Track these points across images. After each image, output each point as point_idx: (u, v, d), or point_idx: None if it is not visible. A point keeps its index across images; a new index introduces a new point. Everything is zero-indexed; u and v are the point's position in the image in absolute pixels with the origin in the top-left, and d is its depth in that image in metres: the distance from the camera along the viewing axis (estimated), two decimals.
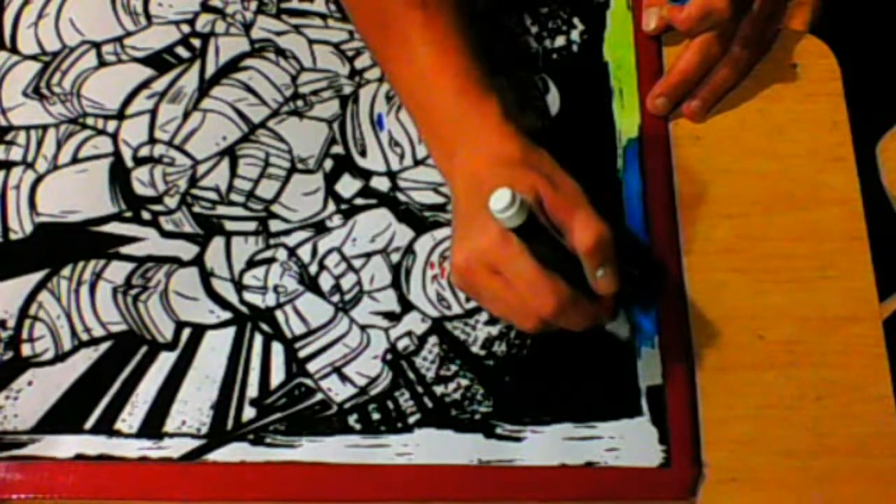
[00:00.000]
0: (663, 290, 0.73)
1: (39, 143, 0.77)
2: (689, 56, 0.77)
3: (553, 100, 0.79)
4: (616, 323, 0.72)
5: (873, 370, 0.72)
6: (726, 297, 0.74)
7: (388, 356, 0.71)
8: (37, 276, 0.73)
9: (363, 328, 0.72)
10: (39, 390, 0.70)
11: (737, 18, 0.76)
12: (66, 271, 0.73)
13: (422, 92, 0.71)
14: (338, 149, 0.77)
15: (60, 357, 0.71)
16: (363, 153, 0.77)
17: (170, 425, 0.69)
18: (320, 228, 0.75)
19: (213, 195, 0.75)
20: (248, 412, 0.70)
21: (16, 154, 0.76)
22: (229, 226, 0.75)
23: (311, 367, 0.71)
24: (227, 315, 0.72)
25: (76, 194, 0.75)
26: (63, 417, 0.69)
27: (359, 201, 0.76)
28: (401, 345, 0.72)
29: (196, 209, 0.75)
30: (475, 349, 0.72)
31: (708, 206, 0.76)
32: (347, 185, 0.76)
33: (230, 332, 0.72)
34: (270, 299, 0.73)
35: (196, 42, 0.80)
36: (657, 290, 0.73)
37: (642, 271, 0.73)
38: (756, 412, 0.71)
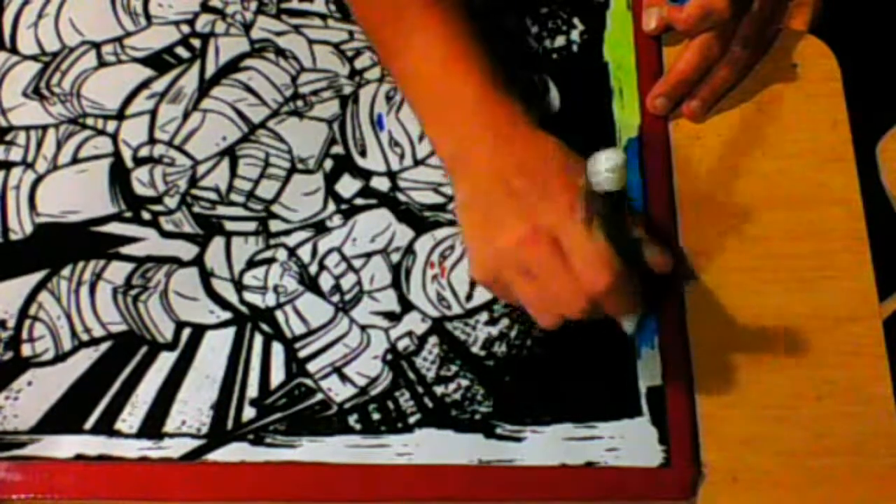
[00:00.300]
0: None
1: (39, 144, 0.77)
2: (689, 56, 0.77)
3: (553, 100, 0.79)
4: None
5: (873, 370, 0.72)
6: (726, 297, 0.74)
7: (389, 356, 0.71)
8: (37, 277, 0.73)
9: (363, 328, 0.72)
10: (39, 390, 0.70)
11: (737, 18, 0.76)
12: (66, 271, 0.73)
13: (438, 86, 0.70)
14: (338, 149, 0.77)
15: (60, 357, 0.71)
16: (363, 153, 0.77)
17: (170, 425, 0.69)
18: (320, 228, 0.75)
19: (213, 195, 0.75)
20: (248, 412, 0.70)
21: (16, 154, 0.76)
22: (229, 226, 0.75)
23: (312, 367, 0.71)
24: (227, 315, 0.72)
25: (76, 194, 0.75)
26: (63, 417, 0.69)
27: (359, 201, 0.76)
28: (401, 345, 0.72)
29: (196, 209, 0.75)
30: (475, 349, 0.72)
31: (708, 206, 0.76)
32: (347, 186, 0.76)
33: (230, 332, 0.72)
34: (270, 299, 0.73)
35: (196, 42, 0.80)
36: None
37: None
38: (756, 412, 0.71)
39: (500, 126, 0.68)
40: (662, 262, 0.69)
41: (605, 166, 0.57)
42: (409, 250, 0.74)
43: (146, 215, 0.75)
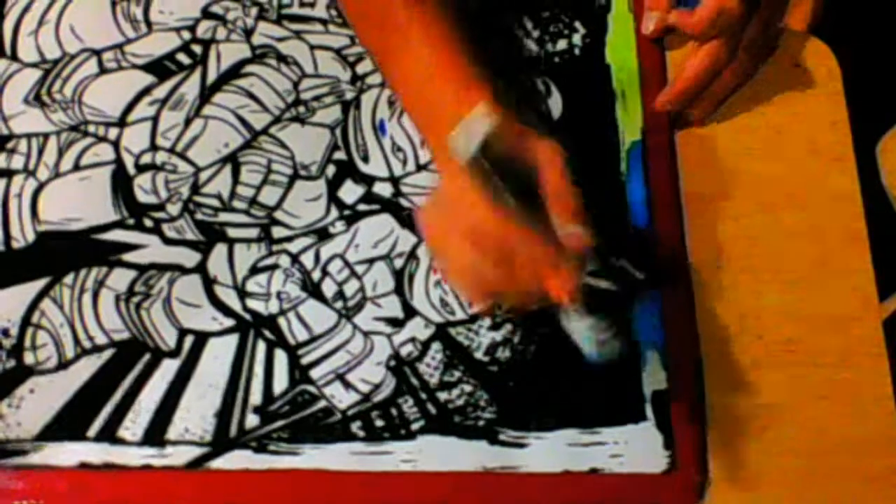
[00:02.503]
0: (671, 285, 0.73)
1: (41, 151, 0.76)
2: (698, 63, 0.76)
3: (555, 103, 0.79)
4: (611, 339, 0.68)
5: (873, 370, 0.72)
6: (729, 297, 0.74)
7: (392, 362, 0.71)
8: (39, 284, 0.73)
9: (366, 334, 0.72)
10: (42, 398, 0.70)
11: (747, 19, 0.76)
12: (68, 279, 0.73)
13: (424, 92, 0.70)
14: (340, 154, 0.77)
15: (63, 365, 0.71)
16: (365, 159, 0.77)
17: (173, 433, 0.69)
18: (323, 235, 0.75)
19: (215, 202, 0.75)
20: (252, 419, 0.70)
21: (17, 162, 0.76)
22: (232, 233, 0.75)
23: (315, 373, 0.71)
24: (229, 322, 0.72)
25: (78, 202, 0.75)
26: (66, 425, 0.69)
27: (361, 207, 0.76)
28: (404, 351, 0.72)
29: (198, 216, 0.75)
30: (478, 355, 0.72)
31: (711, 207, 0.76)
32: (350, 191, 0.76)
33: (233, 339, 0.72)
34: (273, 306, 0.73)
35: (197, 49, 0.80)
36: (665, 286, 0.73)
37: (648, 274, 0.72)
38: (756, 412, 0.71)
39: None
40: (575, 240, 0.63)
41: (453, 144, 0.59)
42: (412, 256, 0.74)
43: (148, 222, 0.75)
